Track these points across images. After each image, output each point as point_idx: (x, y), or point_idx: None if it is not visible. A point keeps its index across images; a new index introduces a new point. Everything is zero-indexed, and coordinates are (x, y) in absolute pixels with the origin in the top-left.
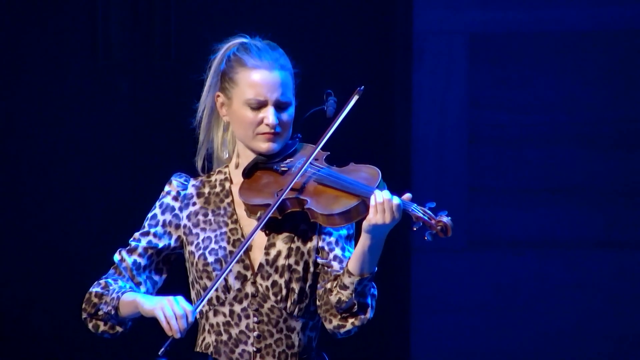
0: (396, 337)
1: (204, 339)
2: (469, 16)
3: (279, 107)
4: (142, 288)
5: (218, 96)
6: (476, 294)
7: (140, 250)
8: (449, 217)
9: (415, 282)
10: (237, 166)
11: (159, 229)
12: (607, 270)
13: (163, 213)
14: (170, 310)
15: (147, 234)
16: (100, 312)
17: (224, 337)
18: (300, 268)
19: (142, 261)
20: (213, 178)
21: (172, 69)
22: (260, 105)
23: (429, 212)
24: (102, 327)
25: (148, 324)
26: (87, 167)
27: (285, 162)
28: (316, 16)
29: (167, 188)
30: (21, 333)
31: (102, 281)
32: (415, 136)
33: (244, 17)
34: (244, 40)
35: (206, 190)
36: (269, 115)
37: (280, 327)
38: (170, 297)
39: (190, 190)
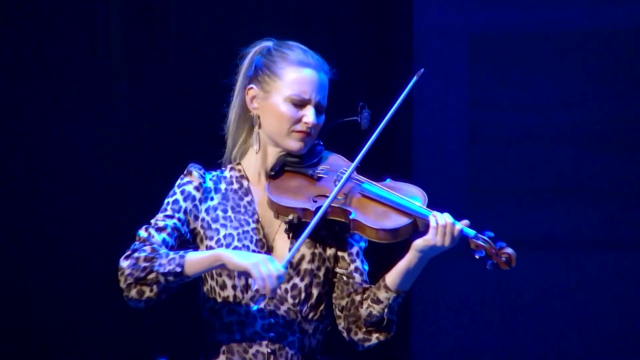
0: (396, 337)
1: (214, 336)
2: (469, 16)
3: (318, 109)
4: None
5: (250, 89)
6: (476, 294)
7: (169, 229)
8: (511, 249)
9: (415, 283)
10: (256, 165)
11: (182, 215)
12: (607, 270)
13: (185, 200)
14: (266, 269)
15: (171, 217)
16: (150, 276)
17: (237, 336)
18: (321, 273)
19: (170, 241)
20: (227, 174)
21: (172, 69)
22: (302, 103)
23: (489, 241)
24: (147, 294)
25: (148, 324)
26: (87, 167)
27: (320, 167)
28: (316, 16)
29: (187, 178)
30: (20, 334)
31: (146, 247)
32: (415, 136)
33: (244, 17)
34: (276, 41)
35: (223, 186)
36: (309, 114)
37: (294, 330)
38: (264, 256)
39: (209, 184)
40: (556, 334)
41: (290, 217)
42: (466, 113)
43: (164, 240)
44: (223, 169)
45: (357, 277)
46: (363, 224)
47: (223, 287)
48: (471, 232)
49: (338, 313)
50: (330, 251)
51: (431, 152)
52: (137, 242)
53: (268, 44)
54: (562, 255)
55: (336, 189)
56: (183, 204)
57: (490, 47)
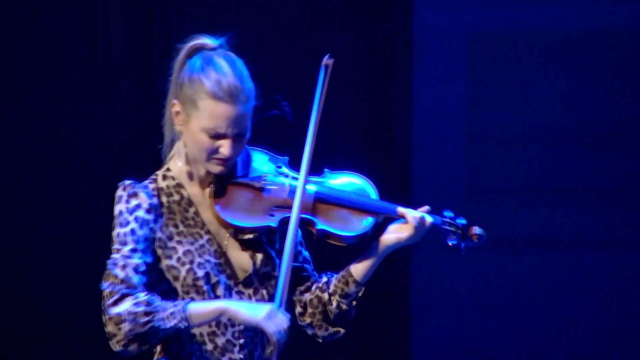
0: (396, 337)
1: (182, 348)
2: (469, 16)
3: (236, 139)
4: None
5: (174, 104)
6: (476, 294)
7: (144, 267)
8: (476, 226)
9: (415, 282)
10: (189, 174)
11: (142, 244)
12: (607, 270)
13: (141, 227)
14: (278, 322)
15: (135, 250)
16: (152, 331)
17: (209, 346)
18: (276, 273)
19: (146, 278)
20: (163, 185)
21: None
22: (218, 136)
23: (456, 224)
24: (147, 346)
25: None
26: (87, 167)
27: (256, 176)
28: (316, 16)
29: (134, 201)
30: (20, 333)
31: (141, 299)
32: (415, 136)
33: (243, 17)
34: (208, 46)
35: (164, 199)
36: (225, 147)
37: (257, 331)
38: (269, 306)
39: (154, 200)
40: (556, 334)
41: (252, 236)
42: (466, 113)
43: (140, 279)
44: (154, 177)
45: (308, 268)
46: (331, 233)
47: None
48: (438, 219)
49: (300, 309)
50: (276, 246)
51: (431, 152)
52: (117, 283)
53: (197, 45)
54: (562, 255)
55: (297, 201)
56: (140, 232)
57: (490, 47)
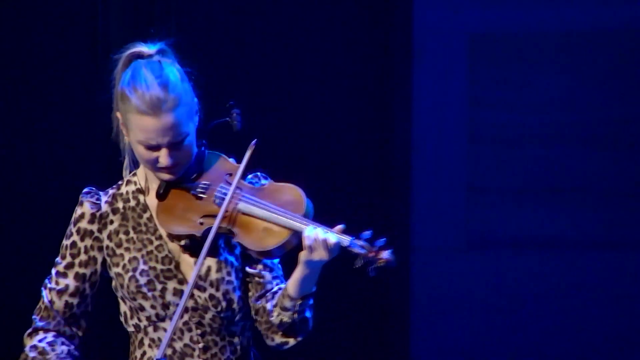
0: (396, 337)
1: (144, 353)
2: (469, 16)
3: (173, 146)
4: (76, 327)
5: (117, 117)
6: (476, 294)
7: (72, 289)
8: (389, 250)
9: (415, 282)
10: (146, 179)
11: (83, 257)
12: (607, 270)
13: (82, 239)
14: None
15: (71, 265)
16: None
17: (169, 351)
18: (233, 278)
19: (75, 300)
20: (123, 190)
21: None
22: (153, 148)
23: (368, 245)
24: None
25: None
26: (87, 167)
27: (201, 183)
28: (316, 16)
29: (79, 211)
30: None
31: (40, 345)
32: (415, 136)
33: (243, 17)
34: (143, 54)
35: (120, 205)
36: (162, 157)
37: (223, 335)
38: None
39: (105, 208)
40: (556, 333)
41: (183, 242)
42: (466, 113)
43: (66, 304)
44: (120, 183)
45: (267, 276)
46: (246, 247)
47: (142, 309)
48: (345, 240)
49: (254, 316)
50: (236, 251)
51: (431, 152)
52: (40, 309)
53: (131, 54)
54: (562, 255)
55: (219, 216)
56: (81, 244)
57: (490, 47)
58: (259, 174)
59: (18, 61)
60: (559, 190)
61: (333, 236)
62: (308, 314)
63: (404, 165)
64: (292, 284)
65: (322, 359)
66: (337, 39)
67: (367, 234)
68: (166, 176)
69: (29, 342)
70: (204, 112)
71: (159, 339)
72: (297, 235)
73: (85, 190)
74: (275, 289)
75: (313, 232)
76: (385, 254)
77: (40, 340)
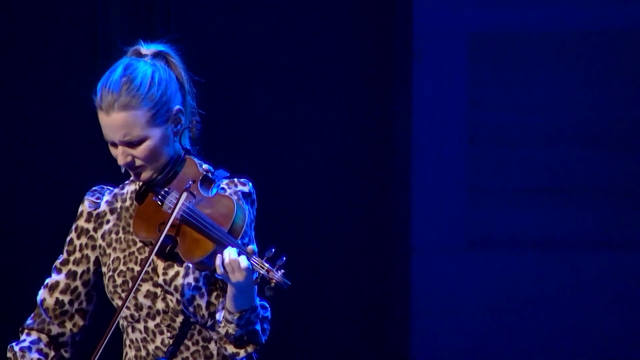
0: (396, 337)
1: (126, 353)
2: (469, 16)
3: (129, 145)
4: (68, 324)
5: None
6: (476, 294)
7: (62, 286)
8: (281, 271)
9: (415, 282)
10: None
11: (77, 255)
12: (607, 270)
13: (79, 237)
14: None
15: (67, 262)
16: None
17: (143, 352)
18: (201, 284)
19: (66, 297)
20: (126, 189)
21: None
22: (112, 145)
23: (266, 264)
24: None
25: None
26: (87, 167)
27: (163, 190)
28: (316, 16)
29: (80, 209)
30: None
31: (17, 348)
32: (415, 136)
33: (243, 17)
34: (138, 52)
35: (118, 204)
36: (118, 155)
37: (196, 339)
38: None
39: (103, 207)
40: (556, 334)
41: (147, 249)
42: (466, 113)
43: (56, 301)
44: (127, 182)
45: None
46: (181, 257)
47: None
48: (245, 262)
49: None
50: None
51: (431, 152)
52: (37, 308)
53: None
54: (562, 255)
55: (167, 224)
56: (77, 242)
57: (490, 47)
58: (235, 179)
59: (18, 61)
60: (559, 190)
61: (244, 260)
62: (257, 326)
63: (404, 165)
64: (227, 299)
65: (322, 359)
66: (337, 39)
67: (268, 252)
68: (134, 177)
69: (20, 341)
70: (202, 114)
71: (136, 340)
72: (221, 248)
73: (93, 188)
74: None
75: (226, 253)
76: (277, 275)
77: (17, 343)
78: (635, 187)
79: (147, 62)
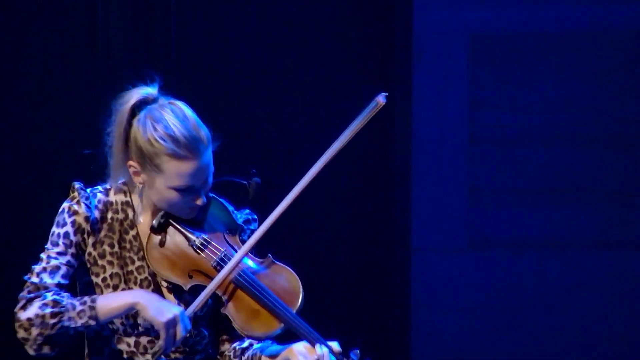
0: (396, 337)
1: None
2: (469, 16)
3: (205, 184)
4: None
5: (130, 165)
6: (476, 294)
7: (64, 270)
8: None
9: (415, 282)
10: (142, 205)
11: (74, 249)
12: (607, 270)
13: (75, 233)
14: (173, 331)
15: (64, 253)
16: (62, 331)
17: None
18: (205, 314)
19: (66, 282)
20: (114, 199)
21: (172, 69)
22: (189, 190)
23: None
24: (60, 346)
25: None
26: (87, 167)
27: (201, 236)
28: (316, 16)
29: (75, 207)
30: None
31: (47, 300)
32: (415, 136)
33: (244, 16)
34: (149, 98)
35: (109, 215)
36: (199, 198)
37: (183, 349)
38: (177, 313)
39: (95, 214)
40: (556, 334)
41: (166, 285)
42: (466, 113)
43: (58, 283)
44: (108, 187)
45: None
46: (232, 321)
47: (110, 322)
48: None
49: (218, 357)
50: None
51: (431, 152)
52: (29, 292)
53: (139, 97)
54: (562, 255)
55: (215, 282)
56: (74, 238)
57: (490, 47)
58: (249, 217)
59: (18, 61)
60: (559, 190)
61: (329, 357)
62: None
63: (404, 165)
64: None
65: None
66: (337, 39)
67: (354, 353)
68: (190, 214)
69: (27, 312)
70: (203, 112)
71: (120, 352)
72: (285, 328)
73: (77, 185)
74: (245, 344)
75: (320, 350)
76: None
77: (43, 298)
78: (635, 187)
79: (171, 100)
